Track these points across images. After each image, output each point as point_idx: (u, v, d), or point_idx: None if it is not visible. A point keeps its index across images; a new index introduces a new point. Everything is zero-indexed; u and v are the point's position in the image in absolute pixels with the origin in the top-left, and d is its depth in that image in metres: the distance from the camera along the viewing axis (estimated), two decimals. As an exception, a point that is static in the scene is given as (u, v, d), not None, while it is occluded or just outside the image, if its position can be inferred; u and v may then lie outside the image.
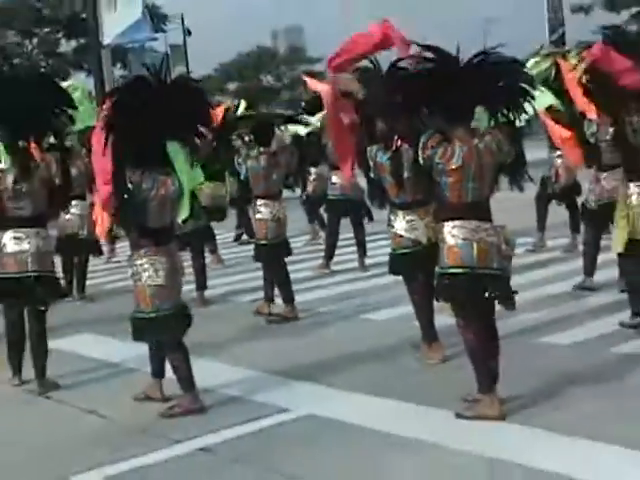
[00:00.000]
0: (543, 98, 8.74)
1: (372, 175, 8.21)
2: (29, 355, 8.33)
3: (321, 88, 9.09)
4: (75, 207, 11.51)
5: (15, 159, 8.20)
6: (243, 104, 13.24)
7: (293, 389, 7.72)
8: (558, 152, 12.19)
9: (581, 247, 11.08)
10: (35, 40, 50.14)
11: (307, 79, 10.24)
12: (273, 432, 6.74)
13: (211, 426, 6.86)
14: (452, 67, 6.51)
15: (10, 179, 8.12)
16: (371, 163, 8.12)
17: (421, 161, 6.52)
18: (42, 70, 33.80)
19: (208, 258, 12.87)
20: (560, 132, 9.87)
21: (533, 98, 6.77)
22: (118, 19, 25.89)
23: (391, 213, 8.22)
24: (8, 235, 8.11)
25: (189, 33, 50.86)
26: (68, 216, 11.53)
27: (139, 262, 7.13)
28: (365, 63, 8.24)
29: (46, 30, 49.78)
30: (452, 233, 6.51)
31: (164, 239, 7.18)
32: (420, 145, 6.51)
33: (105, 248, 14.17)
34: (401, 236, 8.11)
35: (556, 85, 9.53)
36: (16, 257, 8.10)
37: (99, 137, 7.08)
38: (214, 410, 7.25)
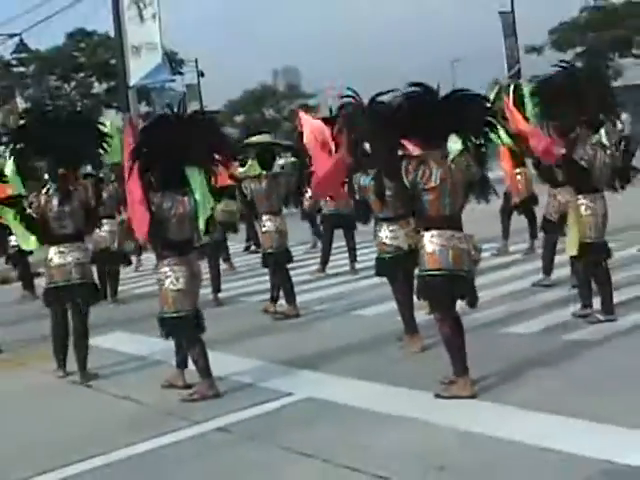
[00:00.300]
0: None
1: (357, 197, 8.26)
2: (72, 350, 8.34)
3: (310, 125, 9.04)
4: (107, 225, 11.52)
5: (59, 185, 8.23)
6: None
7: (295, 376, 7.70)
8: (518, 170, 12.28)
9: (539, 250, 11.12)
10: (73, 83, 50.26)
11: (302, 114, 10.05)
12: (279, 413, 6.74)
13: (226, 409, 6.86)
14: (433, 99, 6.55)
15: (55, 202, 8.16)
16: (356, 187, 8.16)
17: (407, 184, 6.53)
18: (79, 109, 33.80)
19: (222, 265, 12.86)
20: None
21: (497, 127, 6.83)
22: (142, 64, 26.00)
23: (376, 225, 8.23)
24: (53, 250, 8.17)
25: (202, 75, 51.02)
26: (102, 233, 11.50)
27: (163, 270, 7.15)
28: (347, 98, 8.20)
29: (82, 75, 49.90)
30: (431, 241, 6.52)
31: (184, 250, 7.19)
32: (402, 170, 6.53)
33: (133, 259, 14.19)
34: (385, 244, 8.13)
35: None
36: (61, 268, 8.14)
37: (127, 166, 7.11)
38: (228, 395, 7.23)
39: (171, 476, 5.69)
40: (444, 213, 6.53)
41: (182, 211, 7.15)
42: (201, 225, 7.33)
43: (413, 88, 6.59)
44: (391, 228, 8.05)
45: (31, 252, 12.34)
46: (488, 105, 7.06)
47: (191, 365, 7.41)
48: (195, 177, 7.23)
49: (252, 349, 8.79)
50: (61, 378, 8.38)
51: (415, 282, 6.98)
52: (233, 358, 8.42)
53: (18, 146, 8.44)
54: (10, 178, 8.77)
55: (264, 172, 10.41)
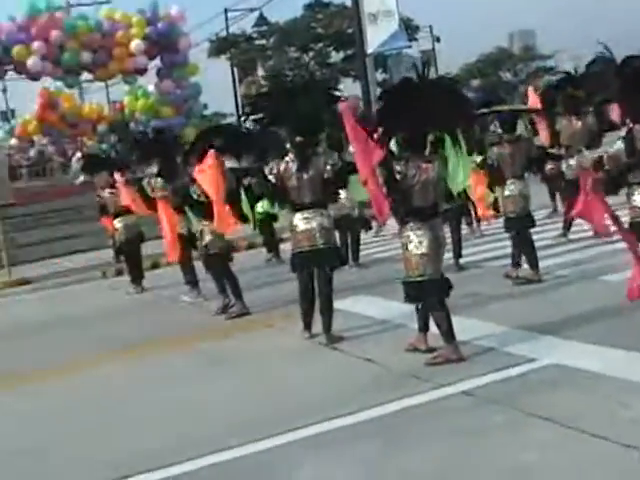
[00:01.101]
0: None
1: None
2: (318, 313, 8.60)
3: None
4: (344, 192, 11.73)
5: (297, 153, 8.49)
6: None
7: (539, 341, 7.58)
8: None
9: None
10: (311, 54, 51.31)
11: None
12: (522, 378, 6.65)
13: (469, 373, 6.86)
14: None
15: (294, 169, 8.42)
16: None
17: None
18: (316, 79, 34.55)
19: (464, 230, 12.85)
20: None
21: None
22: (379, 31, 26.25)
23: (629, 189, 7.72)
24: (298, 216, 8.43)
25: (438, 40, 50.77)
26: (342, 200, 11.74)
27: (406, 234, 7.23)
28: None
29: (320, 45, 50.84)
30: None
31: (427, 216, 7.23)
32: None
33: (374, 224, 14.41)
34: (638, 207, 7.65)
35: None
36: (306, 234, 8.40)
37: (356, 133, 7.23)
38: (471, 359, 7.23)
39: (416, 435, 5.76)
40: None
41: (426, 177, 7.19)
42: (456, 190, 7.35)
43: None
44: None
45: (275, 219, 12.83)
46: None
47: (433, 328, 7.48)
48: (448, 144, 7.25)
49: (494, 314, 8.73)
50: (307, 340, 8.68)
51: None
52: (476, 322, 8.39)
53: (259, 115, 8.78)
54: None
55: (507, 136, 10.31)
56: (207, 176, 10.02)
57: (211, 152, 9.92)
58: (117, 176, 13.13)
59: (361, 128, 7.30)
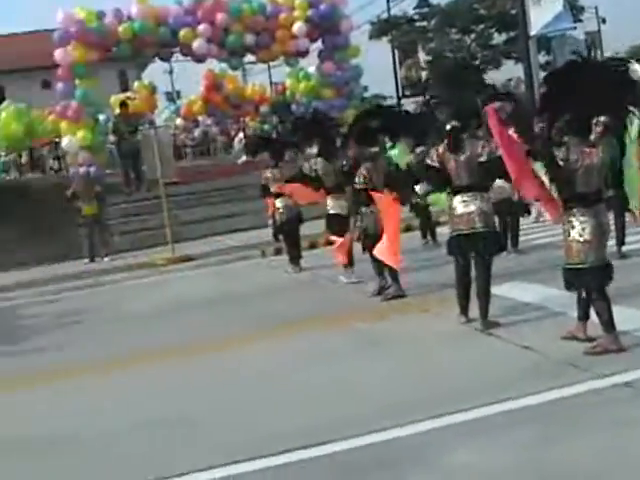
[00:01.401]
0: None
1: None
2: (474, 298, 8.53)
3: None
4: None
5: (450, 137, 8.46)
6: None
7: None
8: None
9: None
10: (472, 35, 50.66)
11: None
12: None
13: (629, 364, 6.67)
14: None
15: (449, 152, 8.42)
16: None
17: None
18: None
19: (628, 217, 12.45)
20: None
21: None
22: (543, 12, 25.71)
23: None
24: (457, 199, 8.39)
25: (604, 21, 49.24)
26: (502, 184, 11.55)
27: (569, 220, 7.08)
28: None
29: (482, 26, 50.12)
30: None
31: (591, 202, 7.05)
32: None
33: (534, 209, 14.17)
34: None
35: None
36: (464, 217, 8.35)
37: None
38: (631, 350, 7.02)
39: (575, 425, 5.66)
40: None
41: (590, 162, 7.02)
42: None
43: None
44: None
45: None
46: None
47: (593, 317, 7.30)
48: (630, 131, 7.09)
49: (657, 305, 8.46)
50: (463, 324, 8.62)
51: None
52: (636, 312, 8.13)
53: (431, 99, 8.79)
54: None
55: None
56: (389, 211, 10.14)
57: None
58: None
59: (507, 131, 7.27)
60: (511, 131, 8.07)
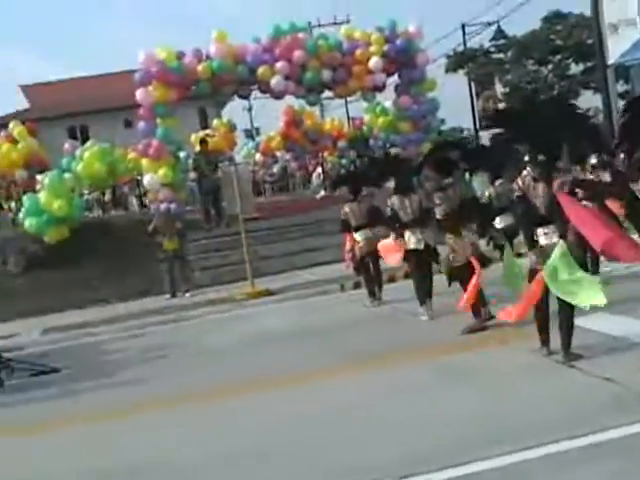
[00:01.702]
0: None
1: None
2: (555, 330, 8.45)
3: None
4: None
5: (538, 172, 8.38)
6: None
7: None
8: None
9: None
10: (550, 66, 50.35)
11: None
12: None
13: None
14: None
15: (540, 188, 8.32)
16: None
17: None
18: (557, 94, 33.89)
19: None
20: None
21: None
22: (620, 40, 25.46)
23: None
24: (539, 232, 8.28)
25: (685, 48, 48.43)
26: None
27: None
28: None
29: (558, 57, 49.79)
30: None
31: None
32: None
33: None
34: None
35: None
36: (546, 250, 8.26)
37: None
38: None
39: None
40: None
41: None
42: None
43: None
44: None
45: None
46: None
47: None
48: None
49: None
50: (545, 357, 8.54)
51: None
52: None
53: (497, 130, 8.74)
54: None
55: None
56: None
57: None
58: None
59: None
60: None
